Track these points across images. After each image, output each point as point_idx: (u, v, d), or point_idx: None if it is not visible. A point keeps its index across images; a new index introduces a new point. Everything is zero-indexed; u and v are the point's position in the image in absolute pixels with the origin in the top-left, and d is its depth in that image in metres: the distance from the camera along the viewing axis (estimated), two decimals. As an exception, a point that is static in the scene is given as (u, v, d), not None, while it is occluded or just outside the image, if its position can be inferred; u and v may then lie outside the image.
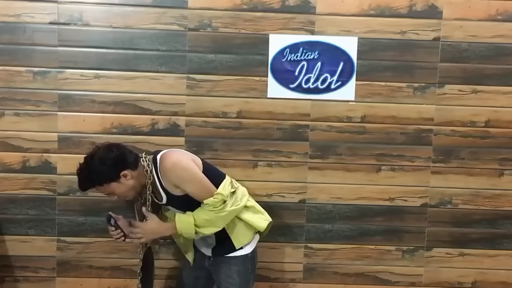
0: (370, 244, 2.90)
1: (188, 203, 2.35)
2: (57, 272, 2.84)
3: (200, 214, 2.33)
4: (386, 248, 2.90)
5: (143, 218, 2.43)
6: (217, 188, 2.34)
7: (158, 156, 2.36)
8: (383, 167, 2.85)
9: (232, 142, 2.79)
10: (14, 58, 2.72)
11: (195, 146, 2.78)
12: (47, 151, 2.77)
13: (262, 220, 2.51)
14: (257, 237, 2.56)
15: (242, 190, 2.49)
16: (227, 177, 2.46)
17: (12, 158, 2.77)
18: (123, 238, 2.42)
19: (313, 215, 2.85)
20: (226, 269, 2.48)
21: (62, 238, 2.82)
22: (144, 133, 2.76)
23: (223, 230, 2.42)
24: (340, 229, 2.87)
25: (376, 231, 2.89)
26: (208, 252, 2.52)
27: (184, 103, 2.77)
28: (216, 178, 2.39)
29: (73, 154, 2.74)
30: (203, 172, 2.36)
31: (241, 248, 2.47)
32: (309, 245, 2.88)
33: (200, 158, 2.45)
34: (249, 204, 2.48)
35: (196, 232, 2.34)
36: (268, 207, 2.79)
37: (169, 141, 2.76)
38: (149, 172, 2.34)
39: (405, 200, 2.87)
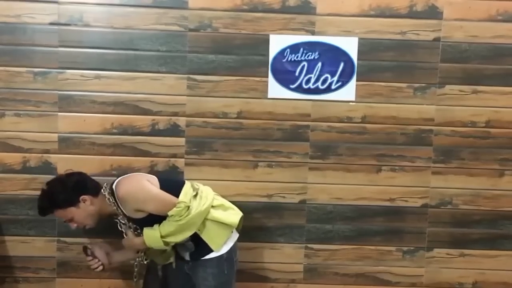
0: (371, 244, 2.89)
1: (156, 221, 2.36)
2: (57, 273, 2.84)
3: (165, 227, 2.34)
4: (386, 248, 2.90)
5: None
6: None
7: (114, 185, 2.39)
8: (383, 168, 2.85)
9: (232, 143, 2.79)
10: (14, 58, 2.72)
11: (195, 146, 2.78)
12: (47, 151, 2.77)
13: (233, 215, 2.48)
14: (235, 235, 2.53)
15: (205, 190, 2.48)
16: (186, 182, 2.46)
17: (13, 158, 2.77)
18: (101, 267, 2.49)
19: (314, 215, 2.85)
20: (202, 272, 2.45)
21: (62, 238, 2.82)
22: (145, 133, 2.76)
23: (197, 234, 2.40)
24: (341, 229, 2.87)
25: (377, 231, 2.89)
26: (187, 256, 2.49)
27: (185, 104, 2.77)
28: (177, 189, 2.39)
29: (74, 154, 2.74)
30: (161, 188, 2.37)
31: (221, 252, 2.45)
32: (309, 245, 2.87)
33: (155, 175, 2.48)
34: (216, 203, 2.47)
35: (166, 243, 2.35)
36: (269, 208, 2.79)
37: (170, 142, 2.76)
38: (111, 200, 2.37)
39: (406, 201, 2.87)
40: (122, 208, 2.36)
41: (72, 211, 2.38)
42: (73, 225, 2.42)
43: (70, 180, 2.41)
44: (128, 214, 2.37)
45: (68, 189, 2.37)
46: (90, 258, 2.49)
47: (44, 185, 2.43)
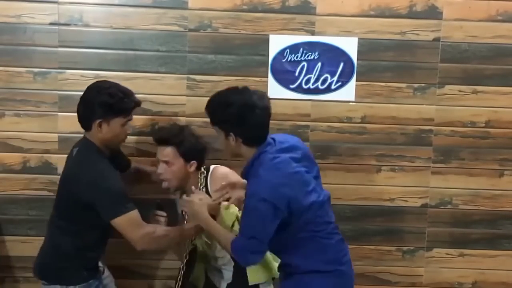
0: (370, 244, 2.90)
1: None
2: (57, 273, 2.84)
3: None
4: (386, 248, 2.90)
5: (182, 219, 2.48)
6: None
7: (211, 167, 2.48)
8: (383, 168, 2.85)
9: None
10: (14, 58, 2.72)
11: (195, 146, 2.78)
12: (47, 151, 2.77)
13: (276, 266, 2.39)
14: (271, 286, 2.46)
15: None
16: None
17: (13, 158, 2.77)
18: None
19: (313, 215, 2.85)
20: None
21: (62, 238, 2.82)
22: (145, 133, 2.76)
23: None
24: (341, 229, 2.84)
25: (376, 231, 2.89)
26: (223, 286, 2.44)
27: (185, 104, 2.77)
28: None
29: (74, 154, 2.74)
30: None
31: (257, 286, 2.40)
32: (309, 245, 2.87)
33: None
34: None
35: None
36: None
37: (169, 142, 2.76)
38: (203, 175, 2.44)
39: (405, 201, 2.87)
40: (208, 186, 2.40)
41: (178, 162, 2.39)
42: (161, 175, 2.41)
43: (202, 142, 2.47)
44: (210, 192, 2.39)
45: (198, 147, 2.44)
46: (164, 214, 2.43)
47: (175, 123, 2.57)
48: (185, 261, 2.42)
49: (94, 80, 2.36)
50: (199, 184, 2.43)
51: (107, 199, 2.16)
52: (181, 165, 2.40)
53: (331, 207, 2.24)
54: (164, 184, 2.43)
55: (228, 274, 2.42)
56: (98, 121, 2.21)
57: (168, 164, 2.39)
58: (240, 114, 2.03)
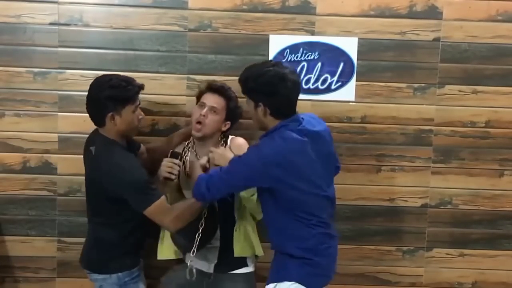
0: (370, 244, 2.90)
1: None
2: (57, 273, 2.84)
3: None
4: (386, 248, 2.90)
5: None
6: None
7: (230, 135, 2.52)
8: (383, 168, 2.85)
9: (232, 143, 2.79)
10: (14, 58, 2.72)
11: (195, 146, 2.78)
12: (47, 151, 2.77)
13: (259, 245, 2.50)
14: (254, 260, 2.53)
15: None
16: None
17: (12, 158, 2.77)
18: (176, 176, 2.35)
19: (313, 215, 2.85)
20: (231, 287, 2.42)
21: (62, 238, 2.82)
22: (145, 133, 2.76)
23: (230, 237, 2.40)
24: (340, 229, 2.86)
25: (376, 231, 2.89)
26: (210, 268, 2.46)
27: (185, 104, 2.77)
28: None
29: (73, 154, 2.73)
30: None
31: (246, 264, 2.45)
32: (309, 245, 2.87)
33: None
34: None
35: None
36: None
37: (169, 142, 2.76)
38: (222, 139, 2.49)
39: (405, 201, 2.87)
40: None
41: (221, 115, 2.43)
42: (202, 118, 2.38)
43: (241, 109, 2.51)
44: None
45: (239, 111, 2.48)
46: (180, 164, 2.38)
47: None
48: (201, 229, 2.34)
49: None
50: (217, 143, 2.46)
51: (134, 192, 2.19)
52: (221, 119, 2.43)
53: (331, 207, 2.25)
54: (196, 128, 2.39)
55: (211, 255, 2.45)
56: (110, 115, 2.23)
57: (214, 111, 2.40)
58: (271, 85, 2.09)
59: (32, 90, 2.74)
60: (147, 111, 2.73)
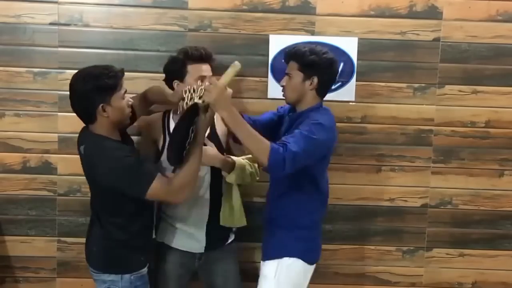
0: (371, 244, 2.90)
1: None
2: (57, 273, 2.84)
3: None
4: (386, 248, 2.90)
5: None
6: None
7: None
8: (383, 168, 2.85)
9: (232, 143, 2.79)
10: (14, 58, 2.72)
11: (195, 146, 2.77)
12: (47, 151, 2.77)
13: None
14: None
15: None
16: None
17: (13, 158, 2.77)
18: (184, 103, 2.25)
19: (313, 215, 2.85)
20: (222, 261, 2.52)
21: (62, 238, 2.82)
22: (144, 133, 2.75)
23: (218, 207, 2.46)
24: (341, 229, 2.87)
25: (376, 231, 2.89)
26: (200, 248, 2.48)
27: (184, 104, 2.76)
28: None
29: (74, 154, 2.70)
30: None
31: (230, 235, 2.55)
32: (309, 245, 2.87)
33: None
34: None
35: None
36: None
37: (169, 142, 2.76)
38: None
39: (405, 201, 2.87)
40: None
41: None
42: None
43: None
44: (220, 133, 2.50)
45: None
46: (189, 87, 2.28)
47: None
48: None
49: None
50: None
51: (128, 179, 2.12)
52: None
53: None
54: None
55: (200, 235, 2.49)
56: (100, 107, 2.14)
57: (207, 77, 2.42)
58: (332, 63, 2.30)
59: (32, 90, 2.74)
60: (147, 111, 2.74)
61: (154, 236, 2.44)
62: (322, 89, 2.32)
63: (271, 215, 2.39)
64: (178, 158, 2.16)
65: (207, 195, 2.46)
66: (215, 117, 2.30)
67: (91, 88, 2.11)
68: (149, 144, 2.59)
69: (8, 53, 2.72)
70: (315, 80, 2.27)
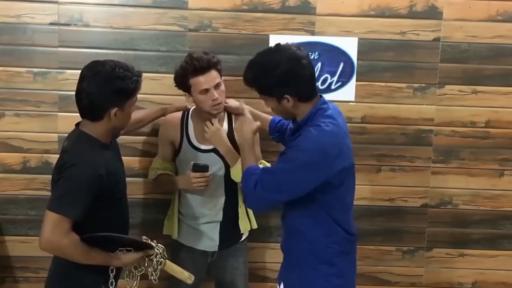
0: (370, 244, 2.90)
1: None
2: (57, 273, 2.84)
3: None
4: (386, 248, 2.90)
5: None
6: None
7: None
8: (383, 168, 2.85)
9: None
10: (14, 58, 2.72)
11: (195, 146, 2.78)
12: (47, 151, 2.77)
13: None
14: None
15: None
16: None
17: (13, 158, 2.77)
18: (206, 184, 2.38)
19: (313, 215, 2.85)
20: (233, 259, 2.56)
21: (62, 238, 2.81)
22: (145, 133, 2.76)
23: (235, 212, 2.52)
24: (340, 229, 2.87)
25: (376, 231, 2.89)
26: (213, 247, 2.52)
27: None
28: None
29: (74, 154, 2.73)
30: None
31: (242, 235, 2.58)
32: (309, 245, 2.87)
33: None
34: None
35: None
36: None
37: (169, 142, 2.76)
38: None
39: (405, 201, 2.87)
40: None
41: (220, 79, 2.43)
42: (219, 104, 2.37)
43: None
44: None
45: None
46: (209, 174, 2.38)
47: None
48: None
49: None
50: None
51: (60, 188, 1.87)
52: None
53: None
54: (219, 108, 2.42)
55: (214, 233, 2.54)
56: (114, 110, 1.93)
57: (218, 86, 2.40)
58: (290, 72, 1.89)
59: (32, 90, 2.74)
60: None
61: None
62: (305, 95, 1.96)
63: (292, 246, 2.09)
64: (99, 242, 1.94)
65: (222, 195, 2.50)
66: (232, 126, 2.47)
67: (114, 89, 1.91)
68: (165, 143, 2.58)
69: (8, 53, 2.71)
70: (288, 97, 1.93)
